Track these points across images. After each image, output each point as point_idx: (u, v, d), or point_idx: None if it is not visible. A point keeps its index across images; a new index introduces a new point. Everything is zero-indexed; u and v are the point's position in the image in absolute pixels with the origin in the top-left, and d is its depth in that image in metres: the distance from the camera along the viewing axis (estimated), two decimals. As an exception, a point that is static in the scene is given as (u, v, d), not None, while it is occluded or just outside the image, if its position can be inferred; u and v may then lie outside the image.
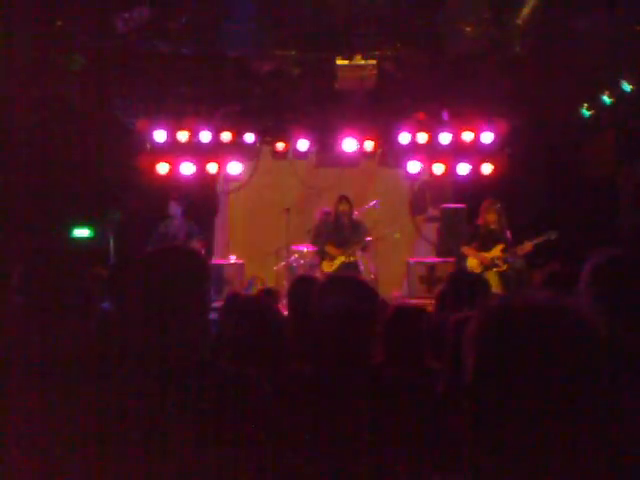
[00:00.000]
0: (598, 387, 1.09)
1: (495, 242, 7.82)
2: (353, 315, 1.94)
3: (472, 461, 1.13)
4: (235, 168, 9.81)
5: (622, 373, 1.39)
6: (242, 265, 9.36)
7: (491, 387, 1.11)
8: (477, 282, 4.03)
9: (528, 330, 1.10)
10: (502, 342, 1.11)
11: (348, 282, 2.09)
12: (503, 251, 7.79)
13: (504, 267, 7.79)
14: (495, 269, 7.76)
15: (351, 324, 1.93)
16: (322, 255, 8.41)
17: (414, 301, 7.84)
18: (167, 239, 8.21)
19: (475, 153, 9.65)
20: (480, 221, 7.95)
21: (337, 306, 1.96)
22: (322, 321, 1.97)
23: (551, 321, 1.11)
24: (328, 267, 8.30)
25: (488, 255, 7.81)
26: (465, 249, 8.02)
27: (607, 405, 1.10)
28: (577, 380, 1.08)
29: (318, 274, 8.48)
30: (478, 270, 7.68)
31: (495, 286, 7.46)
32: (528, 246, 7.61)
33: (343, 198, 8.42)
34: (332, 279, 2.25)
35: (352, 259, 8.30)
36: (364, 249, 8.50)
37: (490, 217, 7.83)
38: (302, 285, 3.39)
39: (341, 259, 8.28)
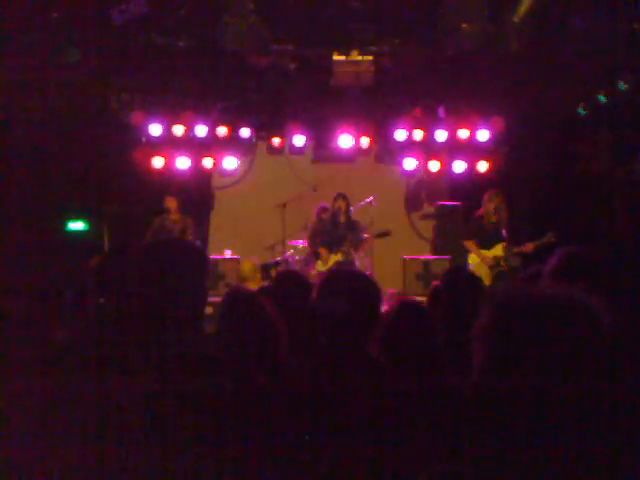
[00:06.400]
0: (606, 377, 1.09)
1: (496, 240, 7.82)
2: (356, 310, 1.94)
3: (477, 455, 1.13)
4: (231, 163, 9.79)
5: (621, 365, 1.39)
6: (237, 260, 9.34)
7: (502, 379, 1.10)
8: (472, 278, 4.04)
9: (539, 321, 1.10)
10: (515, 333, 1.11)
11: (350, 277, 2.08)
12: (504, 250, 7.79)
13: (505, 267, 7.80)
14: (498, 269, 7.76)
15: (354, 320, 1.92)
16: (316, 255, 8.44)
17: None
18: (162, 233, 8.18)
19: (471, 151, 9.64)
20: (481, 212, 7.94)
21: (340, 302, 1.95)
22: (324, 317, 1.96)
23: (562, 312, 1.11)
24: (322, 266, 8.31)
25: (490, 254, 7.82)
26: (467, 243, 8.01)
27: (614, 398, 1.10)
28: (586, 370, 1.08)
29: (313, 271, 8.49)
30: (481, 268, 7.69)
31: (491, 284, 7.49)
32: (530, 247, 7.64)
33: (340, 195, 8.44)
34: (334, 274, 2.24)
35: (348, 258, 8.30)
36: (356, 248, 8.47)
37: (490, 207, 7.82)
38: (287, 281, 3.41)
39: (334, 258, 8.30)
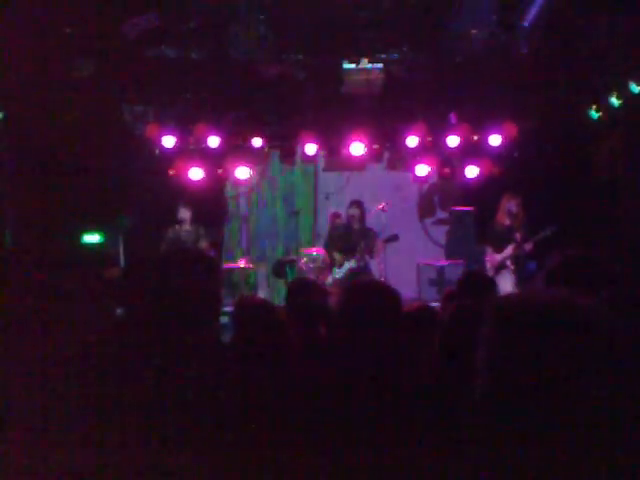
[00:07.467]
0: (607, 383, 1.09)
1: (508, 242, 7.81)
2: (380, 319, 1.94)
3: (481, 456, 1.13)
4: (243, 173, 9.84)
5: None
6: (251, 269, 9.39)
7: (503, 383, 1.11)
8: (487, 282, 4.04)
9: (540, 327, 1.11)
10: (516, 338, 1.12)
11: (372, 287, 2.09)
12: (514, 250, 7.78)
13: (513, 267, 7.79)
14: (505, 270, 7.76)
15: (377, 328, 1.92)
16: (332, 261, 8.48)
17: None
18: (176, 244, 8.23)
19: (483, 156, 9.64)
20: (498, 217, 7.93)
21: (363, 312, 1.96)
22: (346, 327, 1.96)
23: (563, 318, 1.11)
24: (337, 273, 8.35)
25: (499, 256, 7.83)
26: (487, 250, 8.07)
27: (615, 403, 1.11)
28: (588, 375, 1.08)
29: (329, 279, 8.52)
30: (491, 271, 7.71)
31: (509, 286, 7.49)
32: (530, 245, 7.63)
33: (354, 202, 8.46)
34: (355, 286, 2.24)
35: (361, 264, 8.33)
36: (371, 255, 8.51)
37: (505, 209, 7.80)
38: (301, 288, 3.44)
39: (348, 265, 8.32)
